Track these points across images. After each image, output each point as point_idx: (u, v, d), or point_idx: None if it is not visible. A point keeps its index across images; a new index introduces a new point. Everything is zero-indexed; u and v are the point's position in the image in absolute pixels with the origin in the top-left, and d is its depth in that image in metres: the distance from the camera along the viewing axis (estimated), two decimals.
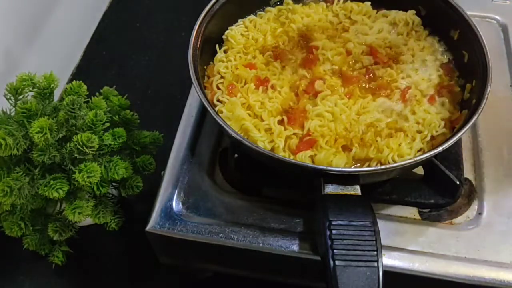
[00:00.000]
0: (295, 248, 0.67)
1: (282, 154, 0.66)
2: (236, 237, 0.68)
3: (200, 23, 0.75)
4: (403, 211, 0.71)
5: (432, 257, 0.66)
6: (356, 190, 0.61)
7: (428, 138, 0.68)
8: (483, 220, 0.69)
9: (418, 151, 0.67)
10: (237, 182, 0.73)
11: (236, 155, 0.71)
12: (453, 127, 0.69)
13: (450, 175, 0.69)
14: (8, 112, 0.77)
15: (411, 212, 0.71)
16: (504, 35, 0.91)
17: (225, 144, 0.77)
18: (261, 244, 0.67)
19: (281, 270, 0.72)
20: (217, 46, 0.79)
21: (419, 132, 0.69)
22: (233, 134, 0.63)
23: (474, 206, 0.71)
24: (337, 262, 0.54)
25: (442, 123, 0.69)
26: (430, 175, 0.72)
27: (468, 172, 0.74)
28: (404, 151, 0.66)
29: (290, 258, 0.67)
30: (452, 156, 0.73)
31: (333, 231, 0.56)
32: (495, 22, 0.93)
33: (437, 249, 0.66)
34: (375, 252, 0.55)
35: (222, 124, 0.64)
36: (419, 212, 0.71)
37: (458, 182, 0.69)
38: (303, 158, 0.66)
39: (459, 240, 0.67)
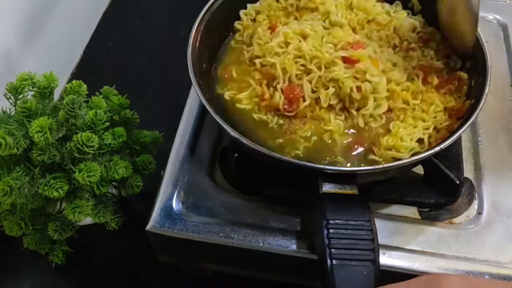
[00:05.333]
0: (295, 247, 0.67)
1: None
2: (236, 237, 0.68)
3: (200, 22, 0.75)
4: (403, 211, 0.71)
5: (432, 256, 0.66)
6: (353, 189, 0.61)
7: (431, 130, 0.68)
8: (483, 219, 0.69)
9: (417, 141, 0.67)
10: (237, 182, 0.73)
11: (236, 155, 0.71)
12: (458, 117, 0.69)
13: (450, 174, 0.69)
14: (8, 112, 0.77)
15: (411, 211, 0.71)
16: (504, 35, 0.91)
17: (225, 144, 0.77)
18: (261, 244, 0.67)
19: (281, 269, 0.72)
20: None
21: (423, 120, 0.68)
22: (232, 133, 0.63)
23: (474, 205, 0.71)
24: (334, 261, 0.54)
25: (446, 115, 0.69)
26: (430, 175, 0.72)
27: (468, 172, 0.74)
28: (403, 141, 0.66)
29: (290, 258, 0.67)
30: (452, 156, 0.73)
31: (331, 230, 0.56)
32: (495, 21, 0.93)
33: (437, 249, 0.66)
34: (373, 251, 0.55)
35: (221, 124, 0.64)
36: (419, 212, 0.71)
37: (458, 182, 0.69)
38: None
39: (459, 240, 0.67)
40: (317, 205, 0.60)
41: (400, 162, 0.62)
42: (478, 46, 0.71)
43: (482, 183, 0.73)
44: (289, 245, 0.67)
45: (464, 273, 0.64)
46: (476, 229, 0.69)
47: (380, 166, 0.61)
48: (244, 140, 0.63)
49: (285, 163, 0.62)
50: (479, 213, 0.70)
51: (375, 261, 0.55)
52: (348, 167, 0.65)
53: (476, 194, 0.72)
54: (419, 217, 0.71)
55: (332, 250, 0.55)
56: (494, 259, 0.65)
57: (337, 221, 0.57)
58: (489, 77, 0.68)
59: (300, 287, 0.76)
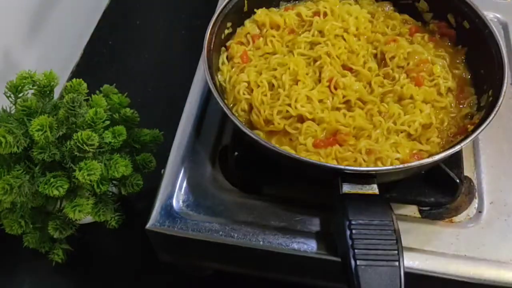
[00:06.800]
0: (295, 246, 0.67)
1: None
2: (236, 235, 0.68)
3: (214, 24, 0.74)
4: (403, 209, 0.71)
5: (432, 255, 0.66)
6: (373, 189, 0.61)
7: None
8: (483, 218, 0.70)
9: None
10: (237, 180, 0.73)
11: (236, 153, 0.71)
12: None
13: (450, 173, 0.69)
14: (8, 110, 0.77)
15: (411, 210, 0.71)
16: (505, 33, 0.91)
17: (225, 142, 0.77)
18: (261, 242, 0.67)
19: (281, 268, 0.72)
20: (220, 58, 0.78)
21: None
22: (251, 135, 0.63)
23: (474, 204, 0.71)
24: (358, 262, 0.54)
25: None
26: (430, 173, 0.71)
27: (468, 170, 0.74)
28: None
29: (290, 256, 0.67)
30: (452, 155, 0.73)
31: (353, 231, 0.55)
32: (495, 20, 0.93)
33: (437, 247, 0.67)
34: (396, 251, 0.55)
35: (240, 126, 0.64)
36: (419, 210, 0.71)
37: (458, 181, 0.69)
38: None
39: (459, 238, 0.67)
40: (338, 206, 0.59)
41: (421, 162, 0.62)
42: (494, 46, 0.72)
43: (482, 181, 0.73)
44: (289, 244, 0.67)
45: (464, 272, 0.65)
46: (476, 227, 0.69)
47: (400, 166, 0.61)
48: (261, 141, 0.63)
49: (305, 164, 0.62)
50: (479, 211, 0.70)
51: (399, 261, 0.54)
52: (367, 167, 0.65)
53: (476, 193, 0.72)
54: (419, 215, 0.71)
55: (356, 250, 0.54)
56: (494, 258, 0.66)
57: (360, 222, 0.56)
58: (507, 76, 0.68)
59: (300, 286, 0.76)
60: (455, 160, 0.72)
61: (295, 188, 0.72)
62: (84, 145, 0.70)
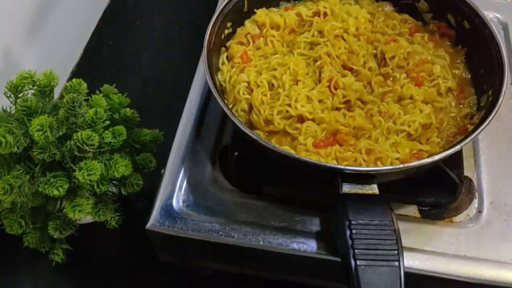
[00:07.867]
0: (295, 246, 0.67)
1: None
2: (236, 235, 0.68)
3: (213, 24, 0.74)
4: (403, 209, 0.71)
5: (432, 255, 0.66)
6: (373, 189, 0.61)
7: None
8: (483, 218, 0.70)
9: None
10: (237, 180, 0.73)
11: (236, 153, 0.71)
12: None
13: (450, 173, 0.69)
14: (8, 110, 0.77)
15: (411, 210, 0.71)
16: (505, 33, 0.91)
17: (225, 142, 0.77)
18: (261, 242, 0.67)
19: (281, 268, 0.72)
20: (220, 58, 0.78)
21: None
22: (251, 135, 0.63)
23: (474, 204, 0.71)
24: (358, 262, 0.54)
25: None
26: (430, 173, 0.71)
27: (468, 170, 0.74)
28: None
29: (290, 256, 0.67)
30: (452, 155, 0.73)
31: (353, 231, 0.56)
32: (495, 20, 0.93)
33: (437, 247, 0.67)
34: (396, 251, 0.55)
35: (240, 126, 0.64)
36: (419, 210, 0.71)
37: (458, 181, 0.69)
38: None
39: (459, 238, 0.67)
40: (338, 206, 0.59)
41: (421, 162, 0.62)
42: (494, 46, 0.72)
43: (482, 181, 0.73)
44: (289, 244, 0.67)
45: (464, 272, 0.65)
46: (476, 227, 0.69)
47: (400, 166, 0.61)
48: (261, 141, 0.63)
49: (305, 164, 0.62)
50: (479, 211, 0.70)
51: (399, 261, 0.54)
52: (368, 167, 0.65)
53: (476, 193, 0.72)
54: (419, 215, 0.71)
55: (356, 250, 0.54)
56: (494, 258, 0.66)
57: (360, 222, 0.56)
58: (507, 76, 0.68)
59: (300, 286, 0.76)
60: (455, 160, 0.72)
61: (295, 188, 0.72)
62: (84, 145, 0.70)
